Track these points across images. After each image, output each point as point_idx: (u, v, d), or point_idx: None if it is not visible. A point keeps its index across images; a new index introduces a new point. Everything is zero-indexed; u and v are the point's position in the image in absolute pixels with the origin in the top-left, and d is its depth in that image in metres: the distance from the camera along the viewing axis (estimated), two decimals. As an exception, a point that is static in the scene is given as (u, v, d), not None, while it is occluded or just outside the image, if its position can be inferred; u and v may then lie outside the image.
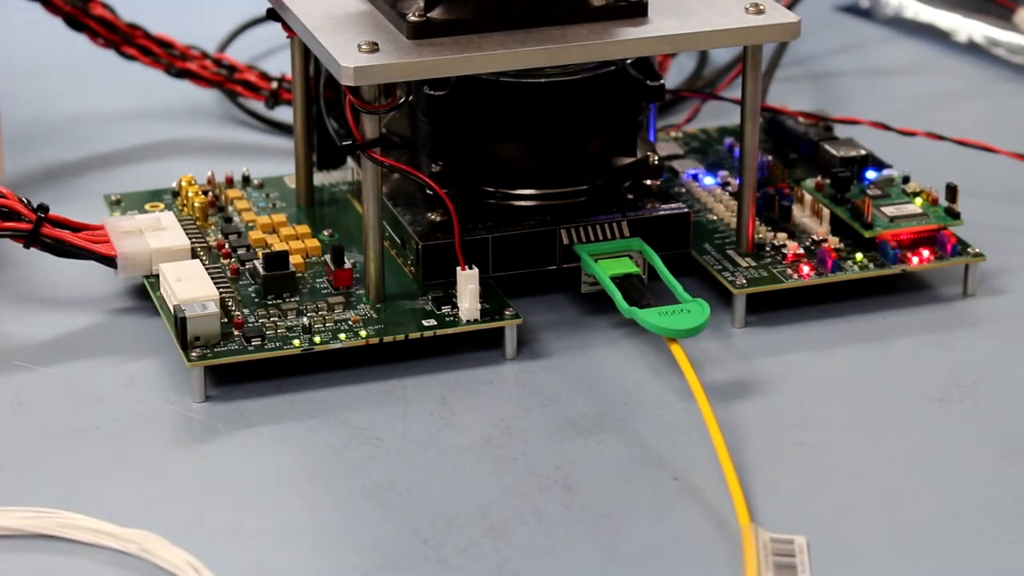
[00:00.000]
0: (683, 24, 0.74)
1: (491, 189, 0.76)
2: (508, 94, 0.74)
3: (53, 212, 0.75)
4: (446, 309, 0.73)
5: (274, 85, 0.90)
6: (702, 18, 0.74)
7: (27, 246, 0.75)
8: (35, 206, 0.75)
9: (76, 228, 0.76)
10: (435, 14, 0.72)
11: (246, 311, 0.73)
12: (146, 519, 0.63)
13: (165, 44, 0.90)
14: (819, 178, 0.80)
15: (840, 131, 0.84)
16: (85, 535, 0.63)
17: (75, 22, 0.88)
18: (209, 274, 0.73)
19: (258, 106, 0.92)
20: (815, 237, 0.77)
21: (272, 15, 0.79)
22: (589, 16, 0.73)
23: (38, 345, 0.74)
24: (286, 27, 0.78)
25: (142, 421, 0.69)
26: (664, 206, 0.77)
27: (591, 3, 0.73)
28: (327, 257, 0.76)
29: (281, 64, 0.91)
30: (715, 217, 0.80)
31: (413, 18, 0.72)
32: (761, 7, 0.74)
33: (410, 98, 0.75)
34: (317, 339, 0.71)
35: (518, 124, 0.75)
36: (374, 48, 0.71)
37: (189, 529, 0.62)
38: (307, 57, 0.80)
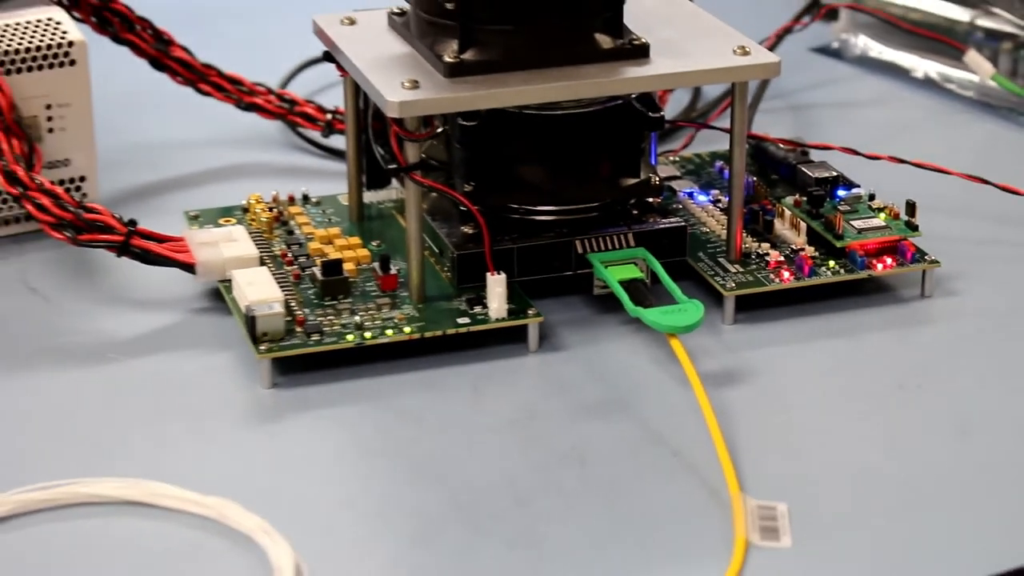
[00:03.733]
0: (680, 64, 0.74)
1: (516, 206, 0.76)
2: (531, 124, 0.75)
3: (141, 226, 0.75)
4: (477, 309, 0.73)
5: (329, 116, 0.90)
6: (696, 59, 0.74)
7: (119, 255, 0.75)
8: (126, 221, 0.75)
9: (161, 240, 0.76)
10: (468, 56, 0.72)
11: (306, 311, 0.73)
12: (223, 488, 0.63)
13: (235, 82, 0.90)
14: (797, 196, 0.81)
15: (815, 155, 0.84)
16: (171, 502, 0.63)
17: (158, 63, 0.89)
18: (275, 279, 0.74)
19: (315, 135, 0.92)
20: (794, 247, 0.77)
21: (327, 57, 0.80)
22: (600, 57, 0.74)
23: (128, 340, 0.75)
24: (339, 67, 0.79)
25: (218, 405, 0.70)
26: (664, 220, 0.77)
27: (601, 46, 0.74)
28: (375, 264, 0.76)
29: (334, 98, 0.91)
30: (708, 229, 0.80)
31: (449, 59, 0.72)
32: (747, 49, 0.75)
33: (446, 128, 0.75)
34: (367, 335, 0.71)
35: (539, 150, 0.75)
36: (416, 85, 0.71)
37: (260, 497, 0.63)
38: (357, 93, 0.80)
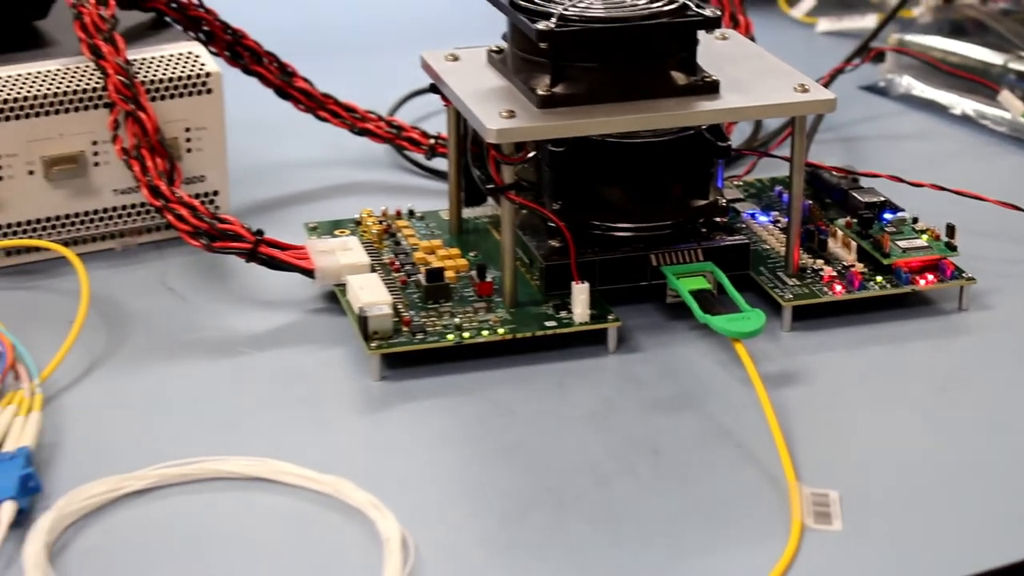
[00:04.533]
0: (747, 99, 0.74)
1: (598, 223, 0.76)
2: (612, 151, 0.75)
3: (267, 235, 0.76)
4: (563, 314, 0.73)
5: (432, 141, 0.91)
6: (761, 95, 0.74)
7: (248, 261, 0.75)
8: (254, 230, 0.75)
9: (284, 247, 0.76)
10: (558, 89, 0.73)
11: (412, 312, 0.73)
12: (338, 468, 0.63)
13: (350, 109, 0.90)
14: (848, 218, 0.80)
15: (864, 182, 0.84)
16: (291, 479, 0.63)
17: (283, 92, 0.89)
18: (384, 284, 0.74)
19: (419, 157, 0.93)
20: (845, 263, 0.77)
21: (433, 88, 0.80)
22: (675, 92, 0.74)
23: (255, 336, 0.75)
24: (444, 98, 0.79)
25: (333, 394, 0.70)
26: (729, 237, 0.77)
27: (677, 83, 0.74)
28: (473, 272, 0.76)
29: (437, 125, 0.91)
30: (768, 247, 0.79)
31: (541, 92, 0.72)
32: (806, 87, 0.75)
33: (537, 153, 0.75)
34: (466, 335, 0.72)
35: (619, 174, 0.75)
36: (512, 115, 0.71)
37: (370, 476, 0.63)
38: (459, 121, 0.80)
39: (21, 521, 0.61)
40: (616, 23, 0.73)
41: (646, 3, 0.74)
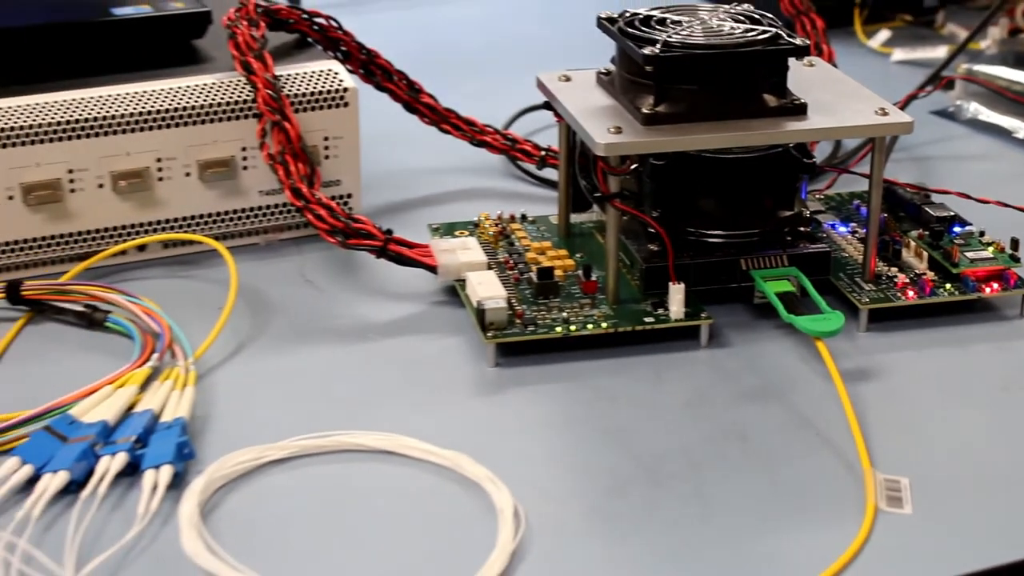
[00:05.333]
0: (832, 121, 0.73)
1: (693, 229, 0.76)
2: (708, 165, 0.75)
3: (395, 234, 0.76)
4: (660, 311, 0.73)
5: (543, 153, 0.91)
6: (845, 117, 0.74)
7: (378, 257, 0.76)
8: (384, 230, 0.76)
9: (410, 246, 0.76)
10: (661, 108, 0.73)
11: (524, 306, 0.73)
12: (456, 444, 0.64)
13: (470, 123, 0.90)
14: (920, 230, 0.80)
15: (935, 198, 0.83)
16: (415, 452, 0.64)
17: (410, 107, 0.89)
18: (500, 280, 0.74)
19: (531, 167, 0.93)
20: (917, 271, 0.77)
21: (547, 106, 0.80)
22: (766, 113, 0.73)
23: (383, 324, 0.76)
24: (556, 114, 0.79)
25: (452, 378, 0.70)
26: (812, 245, 0.76)
27: (768, 104, 0.73)
28: (579, 272, 0.76)
29: (547, 139, 0.92)
30: (847, 255, 0.79)
31: (646, 111, 0.72)
32: (886, 110, 0.74)
33: (639, 165, 0.75)
34: (572, 327, 0.72)
35: (714, 186, 0.75)
36: (619, 131, 0.71)
37: (486, 452, 0.63)
38: (569, 135, 0.80)
39: (177, 483, 0.61)
40: (715, 50, 0.72)
41: (742, 32, 0.74)
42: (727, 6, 0.78)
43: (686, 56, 0.72)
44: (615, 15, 0.77)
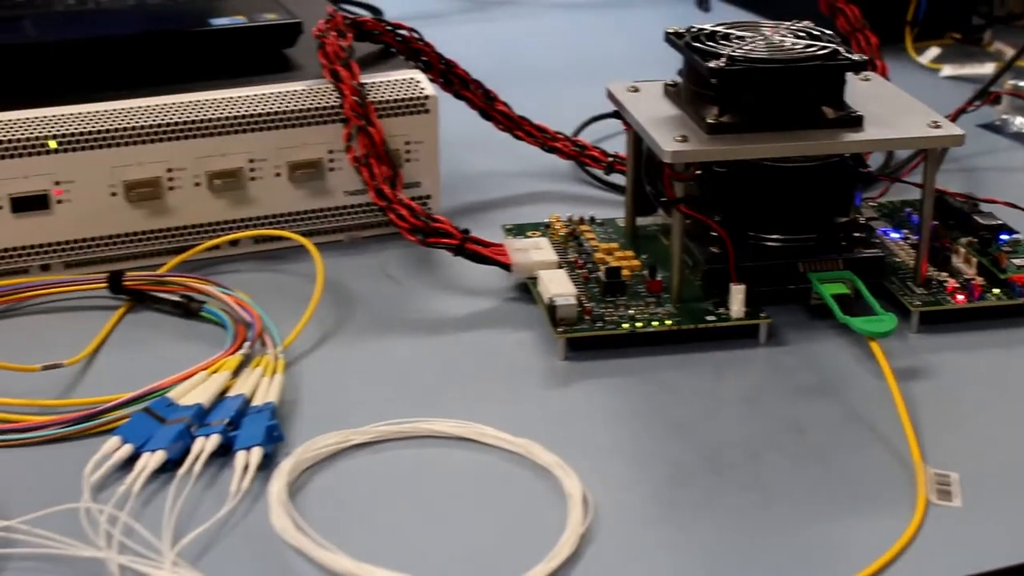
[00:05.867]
0: (887, 132, 0.73)
1: (752, 233, 0.75)
2: (768, 173, 0.74)
3: (472, 234, 0.76)
4: (721, 310, 0.72)
5: (610, 159, 0.90)
6: (899, 129, 0.73)
7: (455, 255, 0.76)
8: (461, 229, 0.76)
9: (486, 244, 0.76)
10: (724, 119, 0.72)
11: (593, 303, 0.73)
12: (528, 432, 0.63)
13: (541, 130, 0.90)
14: (970, 238, 0.79)
15: (983, 207, 0.82)
16: (489, 440, 0.64)
17: (486, 114, 0.89)
18: (570, 279, 0.74)
19: (598, 172, 0.92)
20: (966, 276, 0.76)
21: (615, 115, 0.80)
22: (824, 124, 0.73)
23: (459, 318, 0.75)
24: (625, 123, 0.79)
25: (524, 370, 0.70)
26: (866, 250, 0.75)
27: (827, 116, 0.73)
28: (645, 272, 0.76)
29: (614, 146, 0.91)
30: (899, 260, 0.78)
31: (710, 120, 0.72)
32: (938, 123, 0.73)
33: (701, 172, 0.74)
34: (638, 324, 0.71)
35: (773, 193, 0.74)
36: (685, 139, 0.71)
37: (556, 440, 0.63)
38: (637, 143, 0.80)
39: (266, 464, 0.61)
40: (777, 64, 0.72)
41: (803, 47, 0.73)
42: (788, 23, 0.77)
43: (749, 70, 0.71)
44: (682, 30, 0.76)
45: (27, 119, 0.77)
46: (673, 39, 0.76)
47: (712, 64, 0.71)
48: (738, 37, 0.75)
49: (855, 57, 0.73)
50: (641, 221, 0.82)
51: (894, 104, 0.77)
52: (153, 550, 0.56)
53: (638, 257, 0.78)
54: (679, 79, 0.77)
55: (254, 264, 0.81)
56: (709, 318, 0.72)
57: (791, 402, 0.67)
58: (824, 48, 0.73)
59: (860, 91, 0.78)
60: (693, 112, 0.74)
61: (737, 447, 0.63)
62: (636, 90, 0.79)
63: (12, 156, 0.76)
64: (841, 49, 0.73)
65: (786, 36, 0.75)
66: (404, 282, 0.79)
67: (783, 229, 0.75)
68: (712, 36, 0.75)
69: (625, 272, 0.75)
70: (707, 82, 0.72)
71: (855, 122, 0.73)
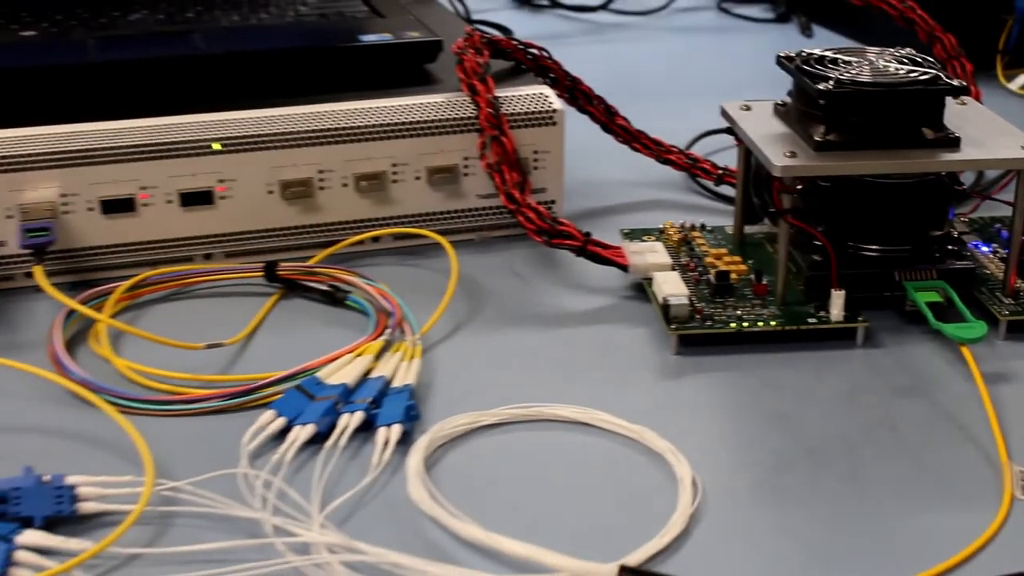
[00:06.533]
0: (981, 153, 0.72)
1: (852, 243, 0.75)
2: (869, 188, 0.73)
3: (593, 236, 0.76)
4: (822, 313, 0.72)
5: (720, 172, 0.90)
6: (993, 151, 0.72)
7: (577, 255, 0.76)
8: (583, 232, 0.76)
9: (605, 247, 0.77)
10: (831, 137, 0.72)
11: (703, 304, 0.73)
12: (642, 419, 0.64)
13: (656, 143, 0.90)
14: (1057, 252, 0.78)
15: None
16: (607, 425, 0.64)
17: (607, 127, 0.89)
18: (682, 280, 0.74)
19: (709, 184, 0.92)
20: (1053, 288, 0.75)
21: (728, 131, 0.79)
22: (924, 144, 0.72)
23: (579, 313, 0.76)
24: (737, 138, 0.78)
25: (639, 363, 0.70)
26: (958, 262, 0.75)
27: (926, 137, 0.72)
28: (751, 276, 0.76)
29: (723, 159, 0.91)
30: (989, 272, 0.77)
31: (818, 138, 0.72)
32: (1031, 146, 0.73)
33: (806, 185, 0.74)
34: (745, 324, 0.71)
35: (874, 206, 0.74)
36: (794, 155, 0.71)
37: (667, 428, 0.63)
38: (747, 157, 0.79)
39: (404, 440, 0.62)
40: (881, 88, 0.71)
41: (905, 72, 0.73)
42: (892, 49, 0.77)
43: (856, 92, 0.71)
44: (793, 54, 0.76)
45: (195, 123, 0.78)
46: (784, 62, 0.76)
47: (821, 86, 0.71)
48: (845, 62, 0.75)
49: (955, 82, 0.72)
50: (748, 229, 0.82)
51: (988, 127, 0.76)
52: (303, 513, 0.57)
53: (745, 262, 0.78)
54: (788, 99, 0.77)
55: (394, 259, 0.82)
56: (811, 320, 0.72)
57: (886, 401, 0.67)
58: (926, 73, 0.73)
59: (957, 114, 0.77)
60: (801, 130, 0.73)
61: (835, 440, 0.63)
62: (748, 108, 0.79)
63: (182, 156, 0.78)
64: (942, 75, 0.73)
65: (890, 62, 0.75)
66: (529, 279, 0.80)
67: (881, 240, 0.74)
68: (821, 60, 0.75)
69: (733, 276, 0.75)
70: (816, 103, 0.72)
71: (952, 143, 0.72)
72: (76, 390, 0.65)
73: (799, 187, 0.73)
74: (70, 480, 0.57)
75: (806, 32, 1.36)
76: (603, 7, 1.44)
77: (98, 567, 0.55)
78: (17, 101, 0.81)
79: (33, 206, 0.76)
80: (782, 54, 0.77)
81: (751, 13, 1.43)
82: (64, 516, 0.57)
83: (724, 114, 0.79)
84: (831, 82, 0.71)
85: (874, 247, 0.74)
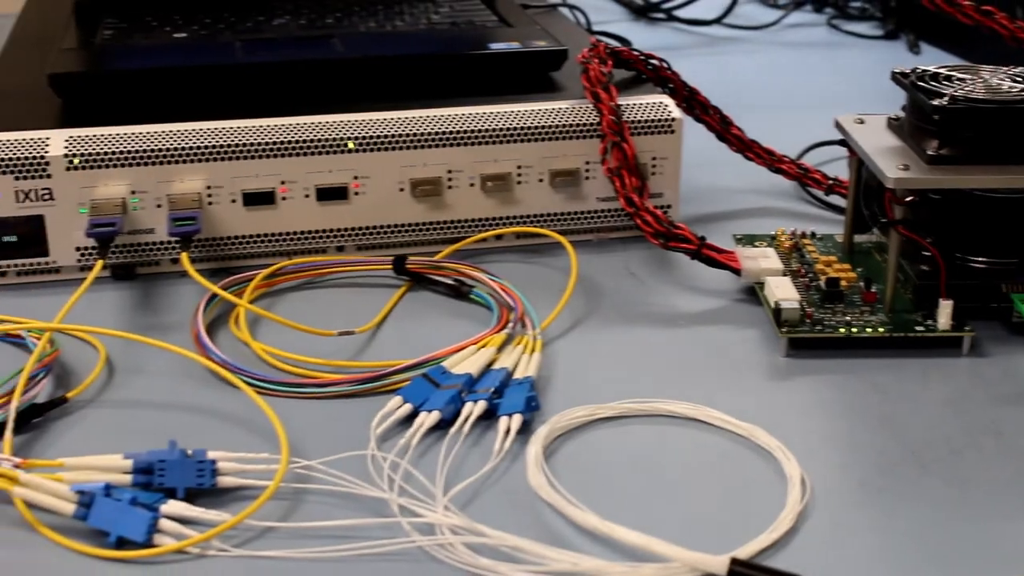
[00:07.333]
0: (1093, 171, 0.70)
1: (960, 255, 0.73)
2: (979, 201, 0.72)
3: (709, 240, 0.76)
4: (930, 322, 0.71)
5: (830, 182, 0.89)
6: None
7: (692, 258, 0.75)
8: (698, 236, 0.75)
9: (719, 251, 0.76)
10: (943, 152, 0.70)
11: (813, 309, 0.72)
12: (752, 418, 0.63)
13: (769, 152, 0.89)
14: None
15: None
16: (718, 422, 0.63)
17: (722, 136, 0.89)
18: (793, 285, 0.73)
19: (819, 193, 0.91)
20: None
21: (841, 142, 0.78)
22: (1034, 161, 0.71)
23: (692, 314, 0.75)
24: (850, 150, 0.77)
25: (750, 363, 0.69)
26: (1065, 276, 0.73)
27: (1037, 153, 0.71)
28: (860, 283, 0.74)
29: (833, 169, 0.90)
30: (1095, 286, 0.75)
31: (930, 152, 0.70)
32: None
33: (916, 198, 0.73)
34: (854, 329, 0.70)
35: (983, 219, 0.72)
36: (907, 168, 0.69)
37: (777, 427, 0.62)
38: (859, 168, 0.78)
39: (524, 429, 0.62)
40: (995, 105, 0.70)
41: (1018, 91, 0.71)
42: (1006, 68, 0.75)
43: (970, 109, 0.70)
44: (908, 71, 0.75)
45: (333, 122, 0.79)
46: (899, 78, 0.74)
47: (936, 102, 0.70)
48: (959, 79, 0.73)
49: (1067, 101, 0.70)
50: (857, 238, 0.81)
51: (1098, 145, 0.74)
52: (428, 495, 0.57)
53: (854, 270, 0.77)
54: (902, 114, 0.75)
55: (516, 256, 0.82)
56: (918, 328, 0.70)
57: (991, 408, 0.65)
58: (1038, 92, 0.71)
59: (1068, 132, 0.75)
60: (915, 144, 0.72)
61: (939, 444, 0.62)
62: (862, 122, 0.77)
63: (319, 153, 0.78)
64: (1053, 93, 0.71)
65: (1003, 80, 0.73)
66: (645, 280, 0.79)
67: (989, 252, 0.73)
68: (935, 77, 0.74)
69: (843, 283, 0.74)
70: (930, 118, 0.70)
71: (1063, 159, 0.70)
72: (217, 370, 0.66)
73: (910, 199, 0.71)
74: (211, 455, 0.58)
75: (914, 49, 1.33)
76: (717, 21, 1.43)
77: (235, 538, 0.55)
78: (169, 98, 0.82)
79: (181, 197, 0.77)
80: (897, 70, 0.75)
81: (860, 30, 1.41)
82: (204, 489, 0.57)
83: (838, 126, 0.78)
84: (945, 98, 0.70)
85: (982, 259, 0.73)
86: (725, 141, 0.89)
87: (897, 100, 0.76)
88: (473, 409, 0.63)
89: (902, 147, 0.73)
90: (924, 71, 0.75)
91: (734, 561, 0.52)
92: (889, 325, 0.70)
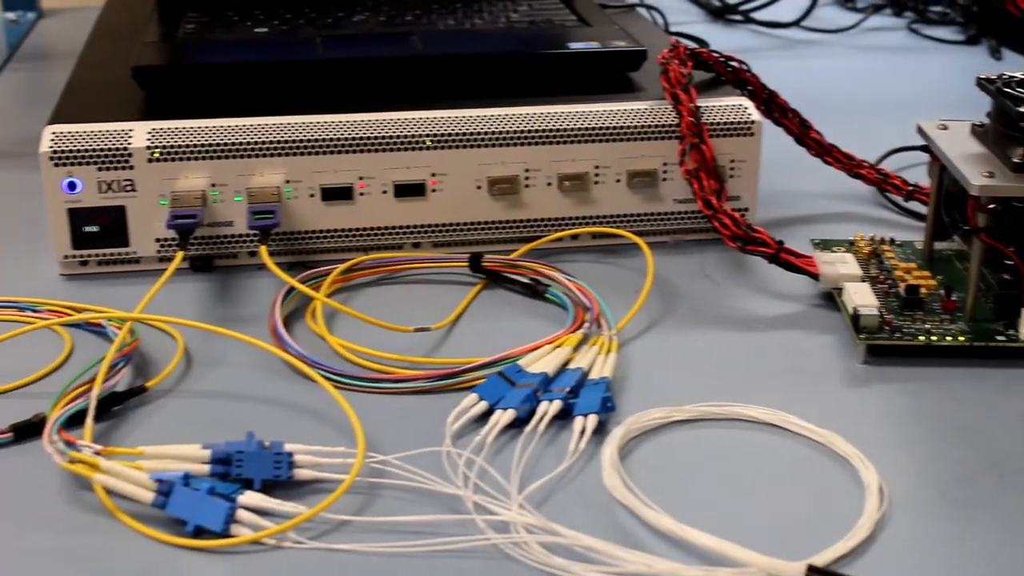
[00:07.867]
0: None
1: (1042, 264, 0.72)
2: (1064, 210, 0.71)
3: (787, 244, 0.75)
4: (1011, 331, 0.70)
5: (909, 188, 0.88)
6: None
7: (770, 262, 0.75)
8: (776, 240, 0.75)
9: (797, 255, 0.75)
10: (1028, 159, 0.69)
11: (892, 316, 0.71)
12: (829, 424, 0.63)
13: (848, 157, 0.88)
14: None
15: None
16: (795, 428, 0.63)
17: (801, 140, 0.88)
18: (872, 292, 0.72)
19: (898, 199, 0.90)
20: None
21: (923, 148, 0.78)
22: (1123, 170, 0.69)
23: (769, 318, 0.74)
24: (932, 156, 0.76)
25: (827, 370, 0.69)
26: None
27: (1126, 163, 0.69)
28: (941, 291, 0.74)
29: (912, 175, 0.89)
30: None
31: (1016, 160, 0.69)
32: None
33: (998, 205, 0.72)
34: (933, 337, 0.69)
35: (1068, 229, 0.72)
36: (991, 175, 0.69)
37: (854, 434, 0.62)
38: (940, 175, 0.77)
39: (599, 430, 0.62)
40: (1083, 112, 0.69)
41: (1108, 99, 0.70)
42: (1095, 75, 0.74)
43: (1057, 116, 0.69)
44: (994, 76, 0.74)
45: (411, 119, 0.79)
46: (985, 84, 0.74)
47: (1022, 109, 0.69)
48: (1046, 86, 0.72)
49: None
50: (937, 245, 0.80)
51: None
52: (502, 493, 0.57)
53: (934, 278, 0.76)
54: (986, 120, 0.74)
55: (591, 256, 0.82)
56: (999, 338, 0.69)
57: (1071, 421, 0.64)
58: None
59: None
60: (999, 151, 0.71)
61: (1019, 455, 0.61)
62: (945, 128, 0.77)
63: (398, 150, 0.79)
64: None
65: (1092, 87, 0.72)
66: (721, 282, 0.79)
67: (1073, 263, 0.72)
68: (1022, 83, 0.73)
69: (923, 290, 0.73)
70: (1016, 125, 0.69)
71: None
72: (293, 363, 0.67)
73: (993, 207, 0.71)
74: (288, 447, 0.59)
75: (995, 55, 1.32)
76: (795, 24, 1.42)
77: (310, 531, 0.56)
78: (250, 92, 0.83)
79: (260, 190, 0.78)
80: (982, 76, 0.74)
81: (941, 35, 1.40)
82: (281, 480, 0.58)
83: (921, 132, 0.77)
84: (1033, 105, 0.69)
85: (1065, 269, 0.72)
86: (804, 145, 0.88)
87: (977, 106, 0.75)
88: (548, 408, 0.63)
89: (986, 154, 0.72)
90: (1011, 77, 0.74)
91: (810, 568, 0.51)
92: (969, 334, 0.70)
